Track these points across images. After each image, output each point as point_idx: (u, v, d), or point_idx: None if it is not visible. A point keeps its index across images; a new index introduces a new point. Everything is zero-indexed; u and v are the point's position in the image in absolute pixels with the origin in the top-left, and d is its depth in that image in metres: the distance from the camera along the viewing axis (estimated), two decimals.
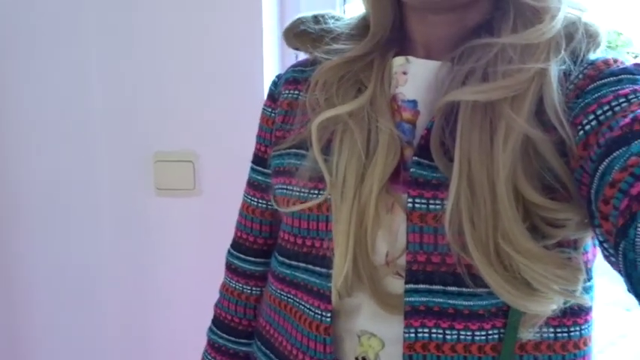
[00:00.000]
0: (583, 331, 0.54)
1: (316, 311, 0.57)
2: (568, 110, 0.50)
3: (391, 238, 0.54)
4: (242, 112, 1.06)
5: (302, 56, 0.70)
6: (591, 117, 0.47)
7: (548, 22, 0.50)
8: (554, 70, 0.50)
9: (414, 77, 0.56)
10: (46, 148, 1.16)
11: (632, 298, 0.38)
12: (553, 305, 0.50)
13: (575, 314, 0.54)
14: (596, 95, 0.48)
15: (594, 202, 0.43)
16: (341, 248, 0.54)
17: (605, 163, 0.42)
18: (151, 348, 1.19)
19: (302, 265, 0.59)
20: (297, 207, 0.58)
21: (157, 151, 1.11)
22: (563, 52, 0.50)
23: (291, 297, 0.61)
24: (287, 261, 0.61)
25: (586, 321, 0.55)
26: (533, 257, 0.48)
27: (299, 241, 0.59)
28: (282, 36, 0.67)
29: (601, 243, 0.43)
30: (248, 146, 1.07)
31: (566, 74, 0.51)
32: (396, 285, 0.54)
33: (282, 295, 0.62)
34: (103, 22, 1.09)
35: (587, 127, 0.47)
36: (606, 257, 0.43)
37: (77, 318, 1.21)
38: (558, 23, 0.51)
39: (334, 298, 0.56)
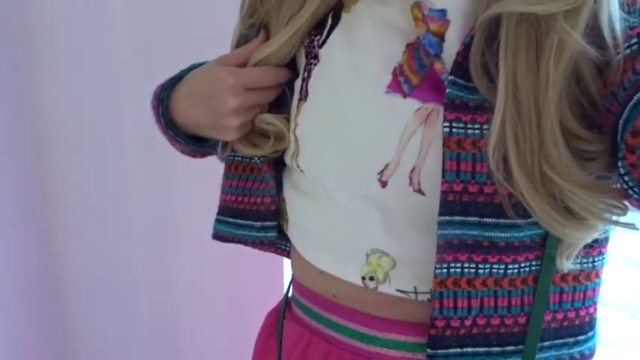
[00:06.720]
0: (603, 261, 0.53)
1: None
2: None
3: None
4: None
5: None
6: (634, 40, 0.41)
7: None
8: None
9: None
10: (84, 151, 1.15)
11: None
12: (595, 233, 0.48)
13: (601, 244, 0.52)
14: None
15: (621, 132, 0.40)
16: None
17: None
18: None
19: None
20: None
21: None
22: None
23: None
24: None
25: (604, 252, 0.53)
26: (580, 184, 0.44)
27: None
28: None
29: (622, 176, 0.41)
30: None
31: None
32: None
33: None
34: None
35: (627, 52, 0.42)
36: (625, 191, 0.41)
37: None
38: None
39: None
